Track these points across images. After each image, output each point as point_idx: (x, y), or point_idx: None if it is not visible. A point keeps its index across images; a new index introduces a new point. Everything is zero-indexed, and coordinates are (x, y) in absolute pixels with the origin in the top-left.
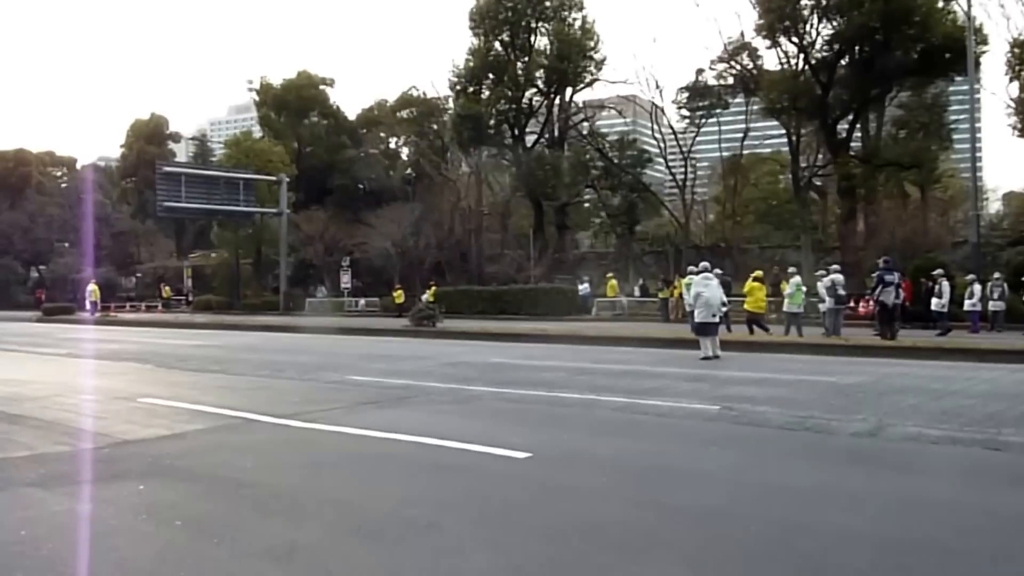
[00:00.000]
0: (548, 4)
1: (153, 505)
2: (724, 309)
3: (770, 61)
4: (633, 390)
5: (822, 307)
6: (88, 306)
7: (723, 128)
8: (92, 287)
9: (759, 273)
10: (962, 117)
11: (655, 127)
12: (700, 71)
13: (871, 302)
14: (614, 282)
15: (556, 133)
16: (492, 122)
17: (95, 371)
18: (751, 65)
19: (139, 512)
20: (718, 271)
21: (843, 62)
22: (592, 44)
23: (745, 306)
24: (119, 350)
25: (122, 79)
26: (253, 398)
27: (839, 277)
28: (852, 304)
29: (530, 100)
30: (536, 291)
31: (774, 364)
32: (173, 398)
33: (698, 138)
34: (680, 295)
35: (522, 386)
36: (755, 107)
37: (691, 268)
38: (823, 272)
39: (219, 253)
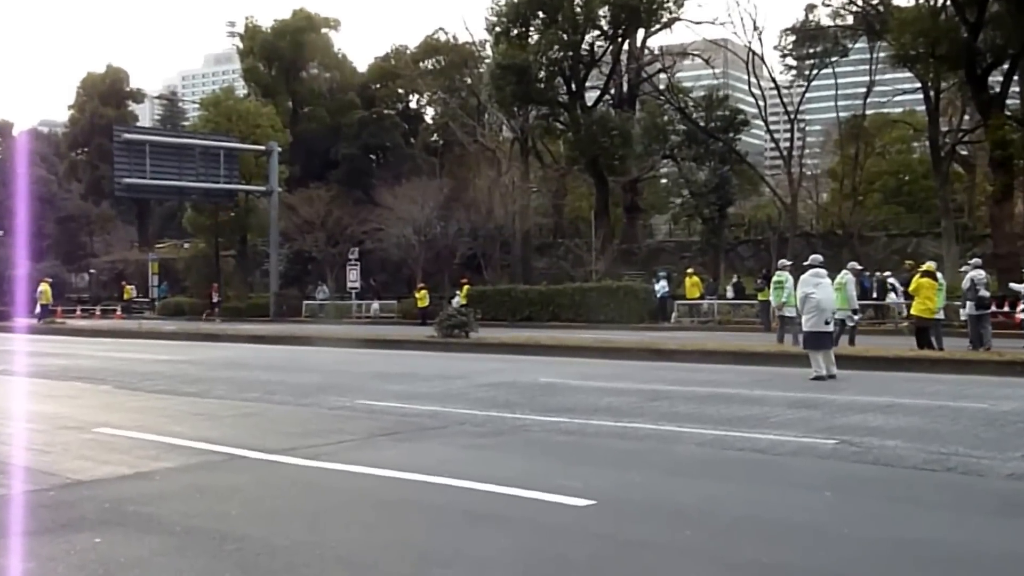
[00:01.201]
0: None
1: (112, 564)
2: (856, 316)
3: None
4: (723, 419)
5: (963, 313)
6: (38, 310)
7: (840, 82)
8: (43, 287)
9: (930, 265)
10: None
11: (753, 80)
12: (811, 7)
13: None
14: (697, 279)
15: (625, 88)
16: (542, 74)
17: (38, 393)
18: (877, 0)
19: (94, 573)
20: (854, 266)
21: None
22: None
23: (912, 311)
24: (69, 366)
25: (71, 22)
26: (238, 428)
27: (979, 274)
28: (1006, 308)
29: (591, 45)
30: (598, 291)
31: (905, 386)
32: (137, 428)
33: (808, 94)
34: (783, 297)
35: (581, 414)
36: (882, 54)
37: (783, 262)
38: (966, 268)
39: (193, 243)
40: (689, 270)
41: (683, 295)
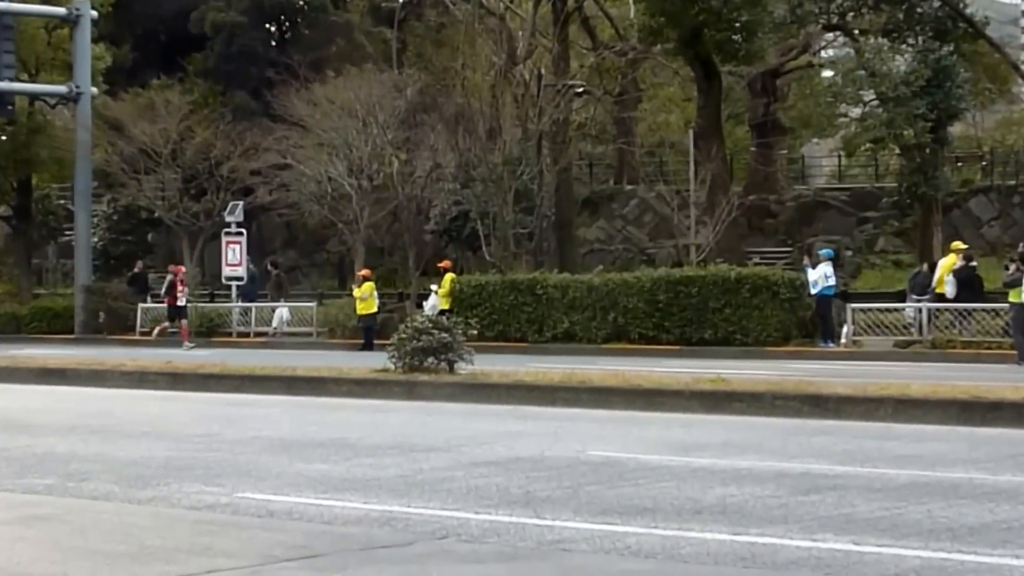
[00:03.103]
0: None
1: None
2: None
3: None
4: (941, 529)
5: None
6: None
7: None
8: None
9: None
10: None
11: None
12: None
13: None
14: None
15: None
16: None
17: None
18: None
19: None
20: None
21: None
22: None
23: None
24: None
25: None
26: (14, 549)
27: None
28: None
29: None
30: (702, 285)
31: None
32: None
33: None
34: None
35: (669, 519)
36: None
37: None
38: None
39: None
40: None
41: (864, 291)
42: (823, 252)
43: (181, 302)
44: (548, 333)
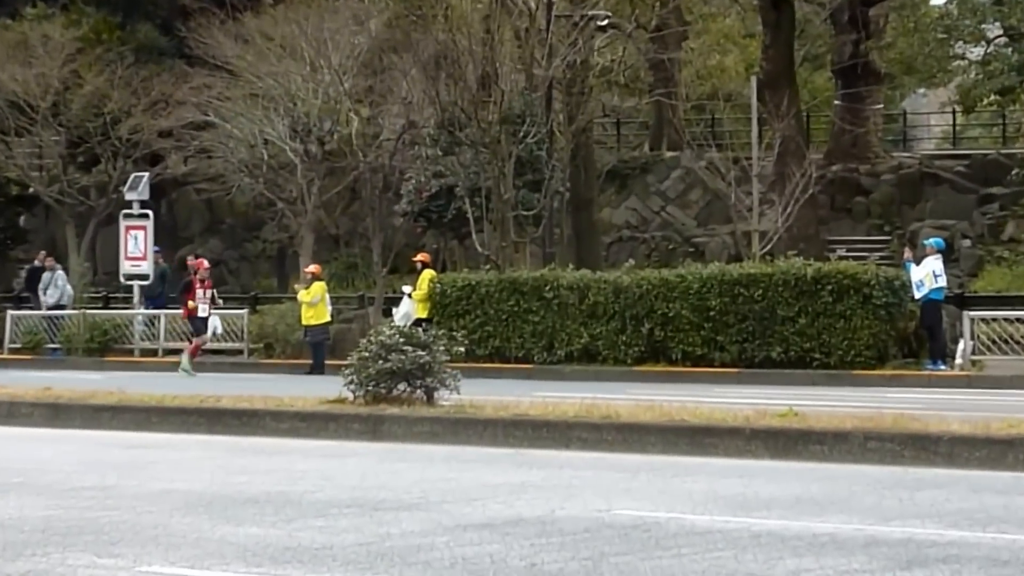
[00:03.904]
0: None
1: None
2: None
3: None
4: None
5: None
6: None
7: None
8: None
9: None
10: None
11: None
12: None
13: None
14: None
15: None
16: None
17: None
18: None
19: None
20: None
21: None
22: None
23: None
24: None
25: None
26: None
27: None
28: None
29: None
30: (767, 286)
31: None
32: None
33: None
34: None
35: None
36: None
37: None
38: None
39: None
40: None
41: (986, 294)
42: (931, 242)
43: (203, 312)
44: (561, 351)
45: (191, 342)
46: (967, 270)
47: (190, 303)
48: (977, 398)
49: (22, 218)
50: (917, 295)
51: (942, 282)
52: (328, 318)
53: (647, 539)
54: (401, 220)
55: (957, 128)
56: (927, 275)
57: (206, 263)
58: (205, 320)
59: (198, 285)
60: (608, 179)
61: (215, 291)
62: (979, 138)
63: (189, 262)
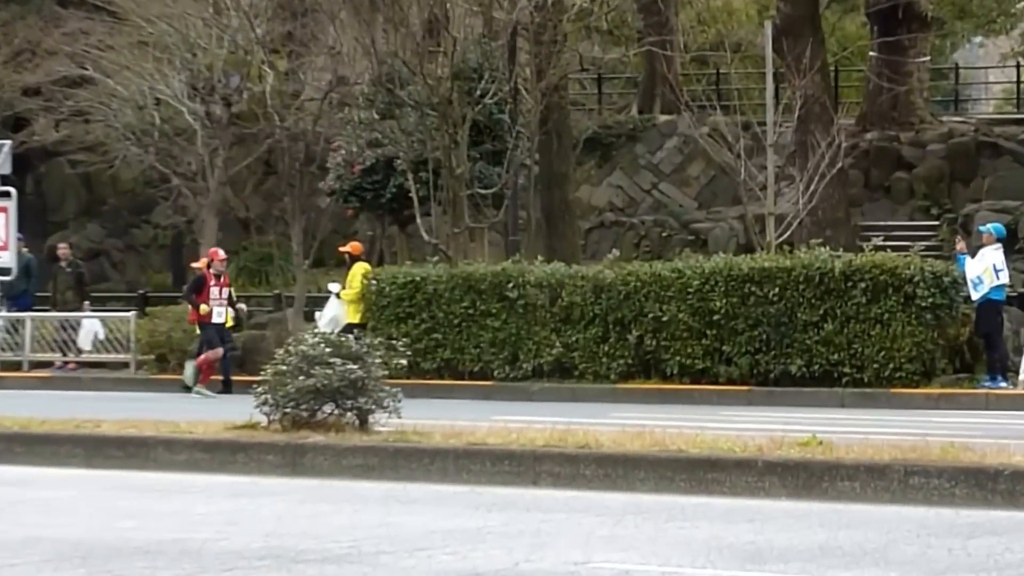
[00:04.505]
0: None
1: None
2: None
3: None
4: None
5: None
6: None
7: None
8: None
9: None
10: None
11: None
12: None
13: None
14: None
15: None
16: None
17: None
18: None
19: None
20: None
21: None
22: None
23: None
24: None
25: None
26: None
27: None
28: None
29: None
30: (784, 283)
31: None
32: None
33: None
34: None
35: None
36: None
37: None
38: None
39: None
40: None
41: None
42: (989, 228)
43: (218, 317)
44: (527, 364)
45: (199, 356)
46: None
47: (202, 306)
48: None
49: None
50: (974, 295)
51: (1004, 278)
52: (231, 320)
53: None
54: (328, 200)
55: (1022, 86)
56: (986, 270)
57: (222, 253)
58: (220, 328)
59: (212, 281)
60: (587, 149)
61: (232, 289)
62: None
63: (201, 262)
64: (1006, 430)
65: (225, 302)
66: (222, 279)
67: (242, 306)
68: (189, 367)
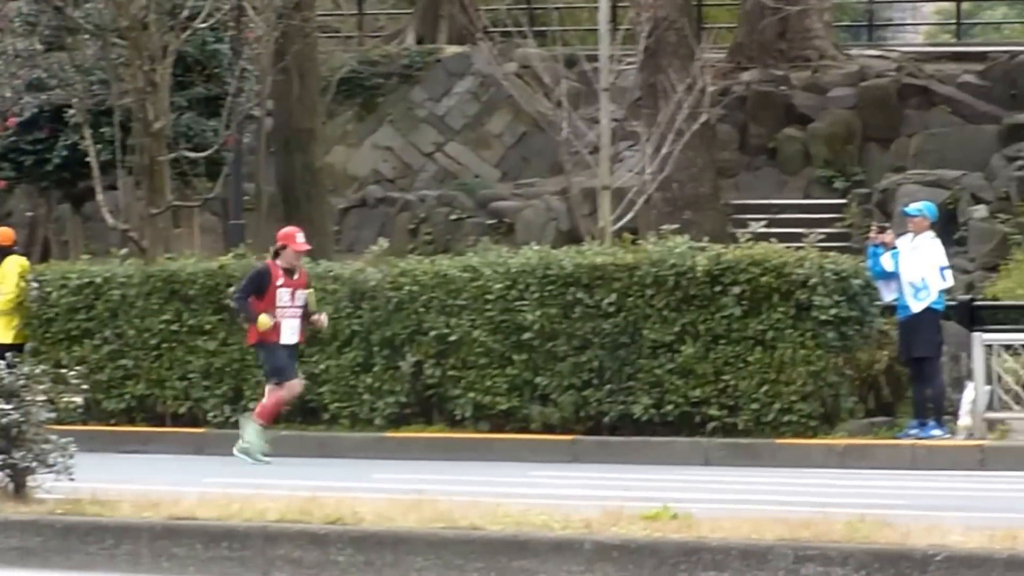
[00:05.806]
0: None
1: None
2: None
3: None
4: None
5: None
6: None
7: None
8: None
9: None
10: None
11: None
12: None
13: None
14: None
15: None
16: None
17: None
18: None
19: None
20: None
21: None
22: None
23: None
24: None
25: None
26: None
27: None
28: None
29: None
30: (614, 280)
31: None
32: None
33: None
34: None
35: None
36: None
37: None
38: None
39: None
40: None
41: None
42: (922, 209)
43: (291, 337)
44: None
45: (268, 396)
46: (980, 259)
47: (262, 318)
48: (995, 485)
49: None
50: (914, 306)
51: (948, 281)
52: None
53: None
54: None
55: (963, 6)
56: (932, 269)
57: (300, 236)
58: (294, 350)
59: (281, 280)
60: (343, 95)
61: (312, 289)
62: (1001, 25)
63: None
64: (939, 498)
65: (301, 311)
66: (298, 278)
67: (322, 315)
68: (251, 430)
